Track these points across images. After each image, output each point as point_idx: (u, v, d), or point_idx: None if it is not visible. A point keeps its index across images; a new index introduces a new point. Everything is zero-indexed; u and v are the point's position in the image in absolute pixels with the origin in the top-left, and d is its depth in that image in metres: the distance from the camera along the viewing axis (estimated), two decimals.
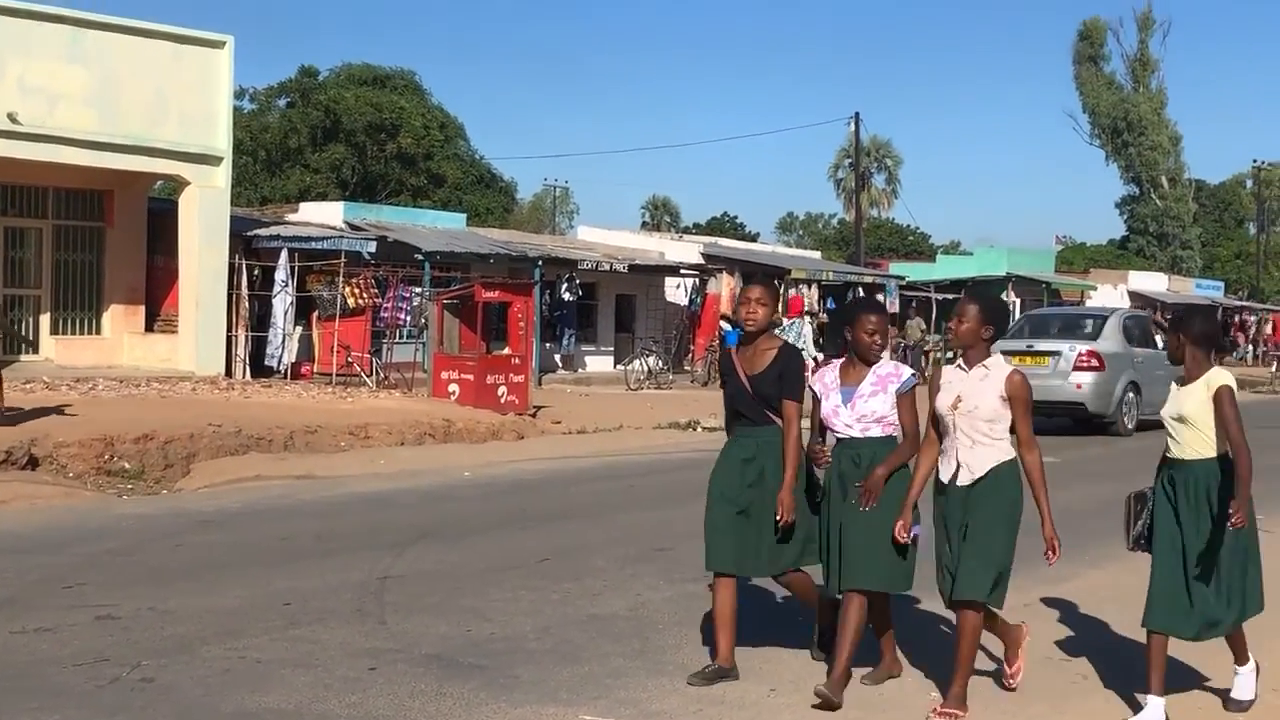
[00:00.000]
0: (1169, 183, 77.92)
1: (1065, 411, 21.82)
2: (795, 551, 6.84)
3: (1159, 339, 23.48)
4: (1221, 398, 6.21)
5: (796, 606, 7.68)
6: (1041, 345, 22.30)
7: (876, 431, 6.58)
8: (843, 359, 6.75)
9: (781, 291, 35.49)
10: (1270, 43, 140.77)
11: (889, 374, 6.63)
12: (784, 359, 6.76)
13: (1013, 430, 6.36)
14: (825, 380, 6.74)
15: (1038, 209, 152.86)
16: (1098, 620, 8.37)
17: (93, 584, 8.86)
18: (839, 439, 6.66)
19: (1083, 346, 21.83)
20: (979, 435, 6.32)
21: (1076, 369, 21.64)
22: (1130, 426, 22.05)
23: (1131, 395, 22.15)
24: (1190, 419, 6.28)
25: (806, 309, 36.08)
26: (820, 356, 32.70)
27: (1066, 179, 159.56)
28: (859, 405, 6.58)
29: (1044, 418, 21.19)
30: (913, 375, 6.67)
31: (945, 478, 6.42)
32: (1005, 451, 6.35)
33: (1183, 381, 6.43)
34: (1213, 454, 6.26)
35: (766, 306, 6.80)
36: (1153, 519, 6.48)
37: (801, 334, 24.22)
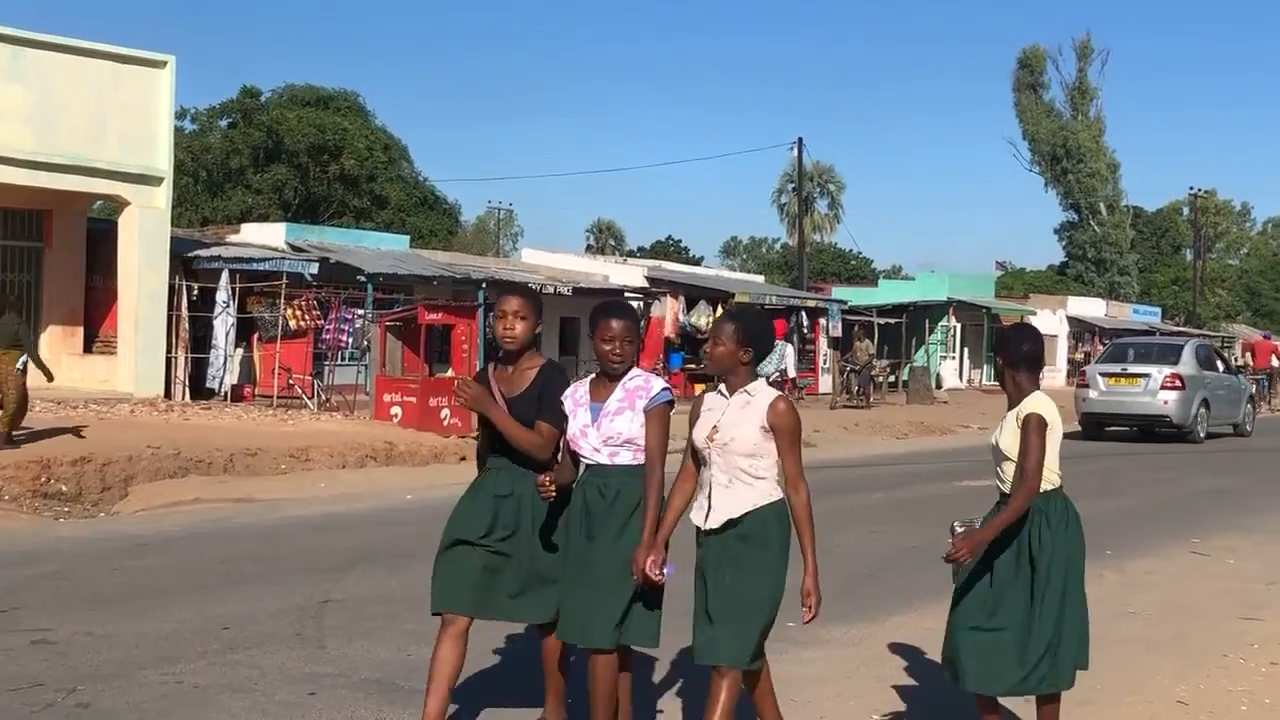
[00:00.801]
0: (1107, 209, 78.84)
1: (1154, 423, 26.61)
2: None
3: (1219, 364, 28.42)
4: (1028, 425, 5.66)
5: None
6: (1134, 369, 26.80)
7: (627, 457, 5.70)
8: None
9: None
10: (1206, 72, 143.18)
11: (638, 388, 5.78)
12: (545, 377, 5.93)
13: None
14: (575, 396, 5.87)
15: (979, 235, 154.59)
16: None
17: (28, 608, 8.75)
18: (586, 465, 5.78)
19: (1167, 369, 26.24)
20: (737, 472, 5.49)
21: (1163, 388, 26.14)
22: (1203, 435, 26.61)
23: (1204, 410, 26.67)
24: (1007, 452, 5.77)
25: (789, 331, 36.21)
26: (796, 379, 32.91)
27: (1007, 205, 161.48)
28: (604, 425, 5.71)
29: (1126, 428, 27.72)
30: (665, 389, 5.83)
31: (698, 520, 5.61)
32: (768, 492, 5.50)
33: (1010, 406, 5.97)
34: (1051, 487, 5.76)
35: (527, 321, 5.90)
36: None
37: (784, 355, 24.51)
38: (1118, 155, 79.99)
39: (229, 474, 16.94)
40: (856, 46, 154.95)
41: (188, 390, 24.76)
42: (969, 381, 48.67)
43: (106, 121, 22.52)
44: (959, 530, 5.80)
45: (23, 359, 16.85)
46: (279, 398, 24.73)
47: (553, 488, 5.63)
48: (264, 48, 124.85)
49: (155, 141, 23.32)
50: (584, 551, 5.65)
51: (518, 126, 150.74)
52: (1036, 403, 5.74)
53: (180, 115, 51.78)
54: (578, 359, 35.43)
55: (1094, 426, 27.69)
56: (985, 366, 50.59)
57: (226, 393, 25.08)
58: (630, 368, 5.88)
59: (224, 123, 58.57)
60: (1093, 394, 27.40)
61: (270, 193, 54.42)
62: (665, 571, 5.62)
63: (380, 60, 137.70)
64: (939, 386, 43.40)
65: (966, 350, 49.48)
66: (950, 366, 48.04)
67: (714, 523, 5.50)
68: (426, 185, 64.62)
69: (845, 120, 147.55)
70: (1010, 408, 5.89)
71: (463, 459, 20.23)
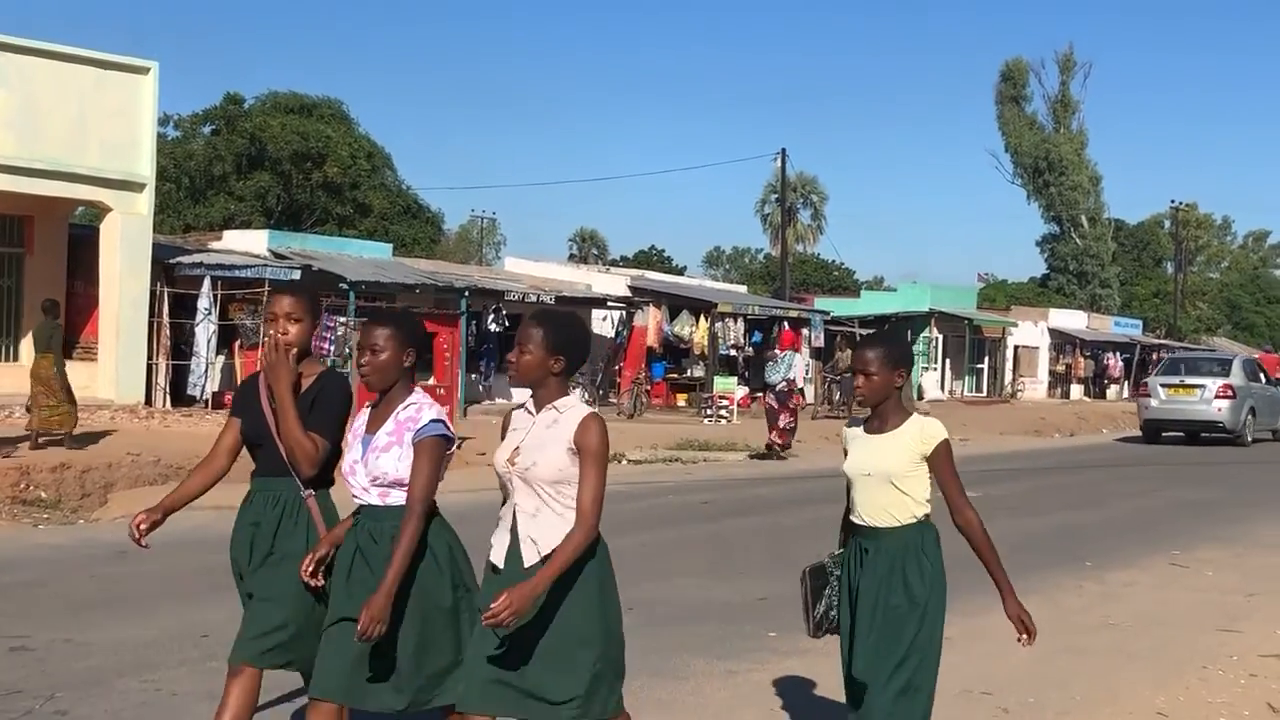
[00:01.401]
0: (1089, 222, 79.11)
1: (1208, 428, 30.26)
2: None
3: (1262, 377, 32.02)
4: (945, 452, 5.11)
5: None
6: (1190, 380, 30.25)
7: (401, 498, 4.88)
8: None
9: (710, 323, 35.68)
10: (1188, 86, 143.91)
11: (409, 419, 4.95)
12: (322, 385, 5.20)
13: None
14: (356, 423, 5.09)
15: (961, 246, 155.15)
16: (1016, 653, 8.43)
17: (6, 615, 8.71)
18: (359, 504, 5.03)
19: (1220, 380, 29.80)
20: (546, 499, 4.69)
21: (1218, 397, 29.65)
22: (1250, 439, 30.21)
23: (1250, 416, 30.33)
24: (897, 477, 5.07)
25: (795, 343, 36.28)
26: (804, 389, 32.93)
27: (989, 217, 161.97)
28: (370, 463, 4.92)
29: (1181, 433, 30.89)
30: (437, 420, 4.97)
31: (498, 558, 4.79)
32: None
33: (870, 426, 5.23)
34: (913, 519, 5.11)
35: (302, 323, 5.13)
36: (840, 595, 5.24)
37: (792, 365, 24.92)
38: (1100, 168, 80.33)
39: None
40: (840, 58, 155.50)
41: (169, 397, 24.67)
42: (950, 392, 48.78)
43: (89, 127, 22.45)
44: (834, 573, 5.27)
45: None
46: None
47: (316, 574, 4.97)
48: (248, 55, 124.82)
49: (138, 147, 23.26)
50: (349, 601, 4.83)
51: (501, 135, 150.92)
52: (937, 425, 5.18)
53: (163, 121, 51.65)
54: None
55: (1154, 432, 31.37)
56: (966, 377, 50.73)
57: (208, 400, 25.00)
58: (389, 382, 5.01)
59: (207, 129, 58.43)
60: (1154, 402, 30.87)
61: (253, 200, 54.30)
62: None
63: (364, 68, 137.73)
64: (920, 397, 43.49)
65: (948, 361, 49.59)
66: (932, 378, 48.14)
67: (530, 558, 4.66)
68: (410, 193, 64.53)
69: (829, 132, 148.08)
70: (874, 426, 5.19)
71: None
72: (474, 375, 31.71)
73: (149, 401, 23.39)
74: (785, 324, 37.76)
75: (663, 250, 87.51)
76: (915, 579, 5.05)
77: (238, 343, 26.30)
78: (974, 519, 5.13)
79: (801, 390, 31.31)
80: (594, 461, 4.65)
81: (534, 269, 38.98)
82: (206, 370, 25.06)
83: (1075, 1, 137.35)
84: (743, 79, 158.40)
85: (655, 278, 44.74)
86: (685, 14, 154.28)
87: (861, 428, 5.25)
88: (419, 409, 4.99)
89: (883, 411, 5.17)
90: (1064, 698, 7.36)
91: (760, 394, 30.16)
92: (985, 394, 50.91)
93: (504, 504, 4.87)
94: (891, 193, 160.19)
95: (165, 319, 24.66)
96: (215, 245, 29.53)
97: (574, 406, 4.79)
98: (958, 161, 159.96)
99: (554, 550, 4.58)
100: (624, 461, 21.99)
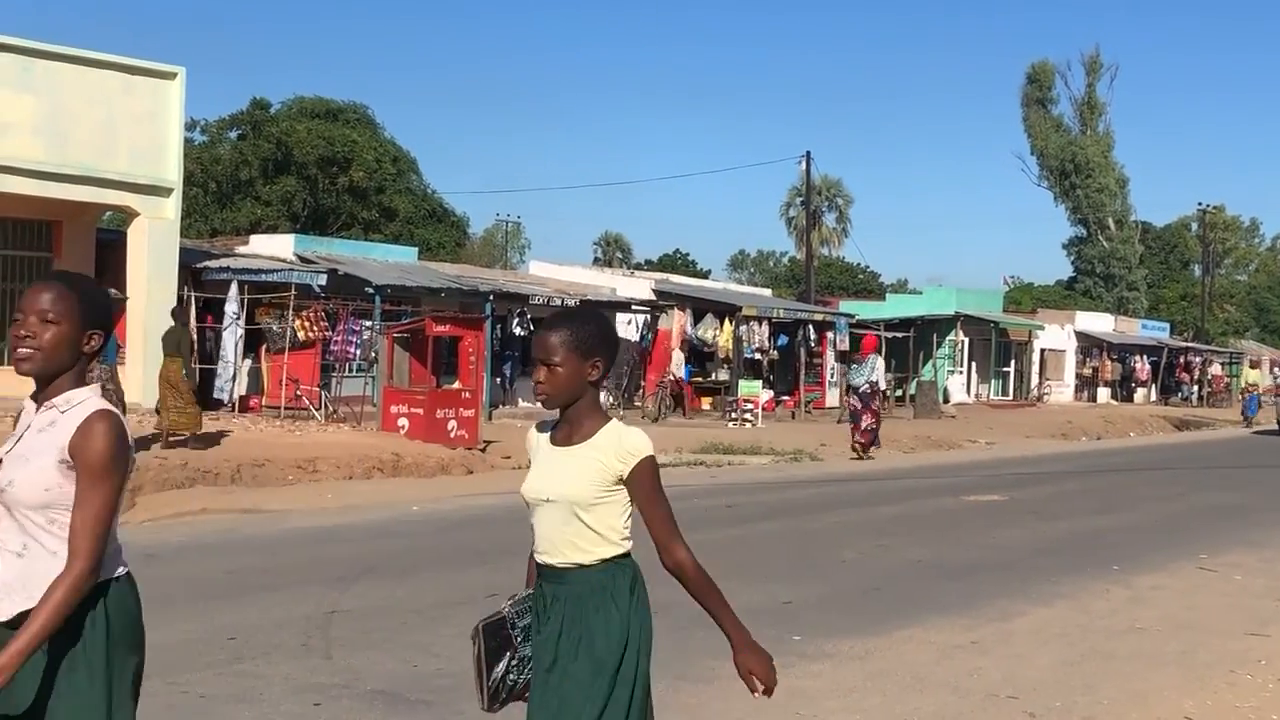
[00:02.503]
0: (1116, 224, 78.83)
1: None
2: None
3: None
4: (649, 474, 3.91)
5: None
6: None
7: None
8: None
9: (735, 326, 35.64)
10: (1216, 88, 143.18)
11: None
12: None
13: None
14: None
15: (987, 249, 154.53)
16: (1044, 657, 8.40)
17: None
18: None
19: None
20: (36, 532, 3.51)
21: None
22: None
23: None
24: (580, 503, 3.91)
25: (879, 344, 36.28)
26: (886, 391, 33.00)
27: (1015, 220, 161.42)
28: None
29: None
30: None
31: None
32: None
33: (557, 435, 4.04)
34: (604, 558, 3.95)
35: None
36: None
37: (875, 368, 25.36)
38: (1126, 170, 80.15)
39: (236, 485, 16.96)
40: (865, 61, 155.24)
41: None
42: (976, 396, 48.62)
43: (116, 132, 22.58)
44: (518, 626, 4.11)
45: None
46: (286, 409, 24.75)
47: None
48: (274, 60, 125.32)
49: (165, 153, 23.38)
50: None
51: (526, 140, 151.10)
52: (638, 436, 3.95)
53: (190, 127, 51.82)
54: None
55: None
56: (993, 381, 50.54)
57: (234, 404, 25.10)
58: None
59: (233, 134, 58.68)
60: None
61: (279, 204, 54.51)
62: None
63: (389, 72, 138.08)
64: (946, 401, 43.37)
65: (974, 365, 49.44)
66: (958, 381, 48.00)
67: (3, 614, 3.50)
68: (435, 197, 64.67)
69: (854, 134, 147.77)
70: (560, 437, 4.02)
71: (470, 471, 20.25)
72: (498, 379, 31.76)
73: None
74: (865, 329, 37.72)
75: (687, 254, 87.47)
76: (601, 637, 3.88)
77: (264, 347, 26.40)
78: (687, 560, 3.92)
79: (885, 392, 31.46)
80: (90, 477, 3.48)
81: (558, 273, 39.03)
82: (233, 374, 25.16)
83: (1101, 3, 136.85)
84: (767, 82, 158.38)
85: (679, 281, 44.74)
86: (709, 17, 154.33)
87: (550, 435, 4.09)
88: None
89: (573, 416, 3.98)
90: (1091, 702, 7.33)
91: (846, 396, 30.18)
92: (1012, 397, 50.74)
93: None
94: (917, 195, 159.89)
95: (192, 323, 24.77)
96: (242, 250, 29.66)
97: (85, 402, 3.56)
98: (983, 164, 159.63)
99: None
100: None
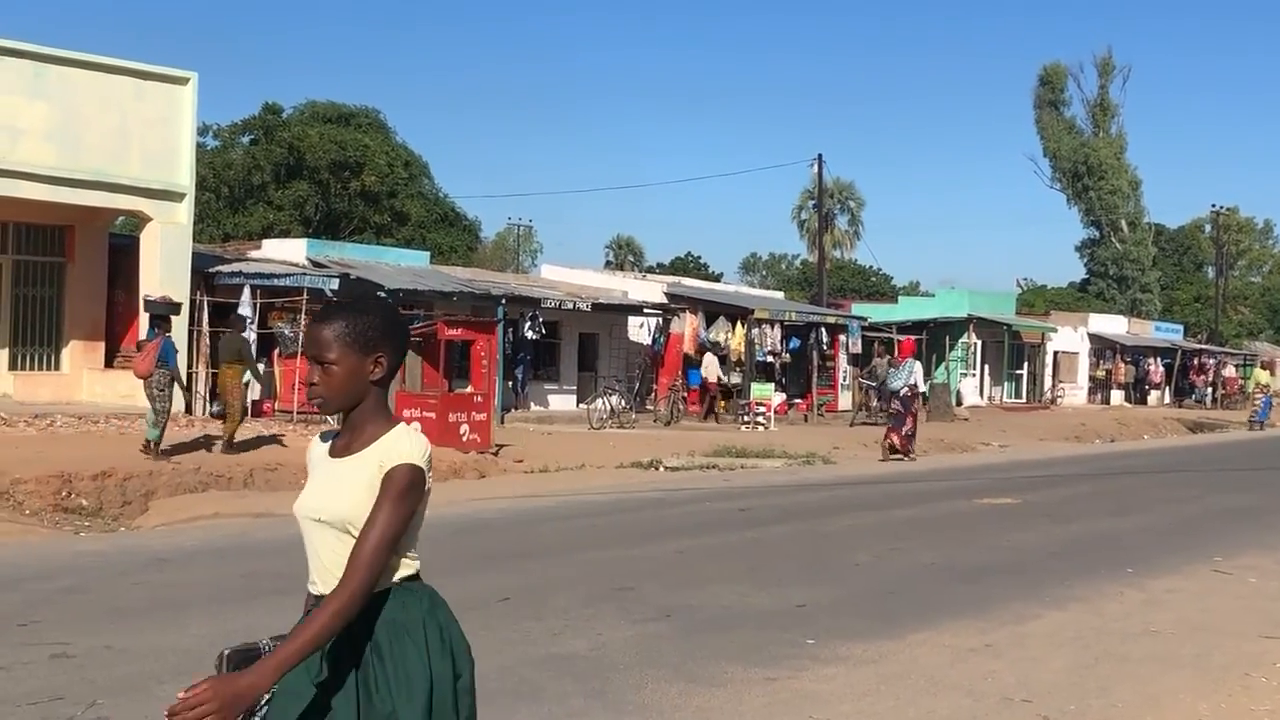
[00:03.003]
0: (1129, 226, 78.68)
1: None
2: None
3: None
4: (395, 482, 3.42)
5: None
6: None
7: None
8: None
9: (746, 329, 35.61)
10: (1228, 89, 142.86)
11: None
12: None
13: None
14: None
15: (999, 251, 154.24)
16: (1058, 660, 8.38)
17: (48, 622, 8.77)
18: None
19: None
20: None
21: None
22: None
23: None
24: (343, 520, 3.40)
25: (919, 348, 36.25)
26: (925, 392, 33.06)
27: (1028, 222, 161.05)
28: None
29: None
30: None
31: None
32: None
33: (336, 445, 3.55)
34: (394, 579, 3.49)
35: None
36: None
37: (913, 371, 25.62)
38: (1139, 172, 80.00)
39: (249, 489, 16.98)
40: (876, 63, 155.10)
41: (208, 405, 24.82)
42: (989, 399, 48.54)
43: (129, 137, 22.65)
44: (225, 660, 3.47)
45: (246, 374, 19.57)
46: (299, 413, 24.78)
47: None
48: (286, 65, 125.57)
49: (177, 157, 23.44)
50: None
51: (538, 143, 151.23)
52: (413, 441, 3.51)
53: (202, 131, 52.02)
54: (596, 375, 35.47)
55: None
56: (1006, 383, 50.44)
57: (247, 408, 25.11)
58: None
59: (246, 139, 58.84)
60: None
61: (291, 209, 54.64)
62: None
63: (401, 77, 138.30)
64: (959, 404, 43.29)
65: (987, 367, 49.36)
66: (970, 384, 47.92)
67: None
68: (447, 201, 64.80)
69: (866, 137, 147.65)
70: (339, 448, 3.52)
71: (482, 475, 20.26)
72: (510, 382, 31.78)
73: (189, 410, 23.53)
74: (903, 335, 37.58)
75: (699, 257, 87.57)
76: (383, 681, 3.35)
77: (276, 351, 26.44)
78: (356, 598, 3.26)
79: (924, 395, 31.51)
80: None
81: (570, 276, 39.04)
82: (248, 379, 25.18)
83: (1114, 5, 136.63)
84: (779, 84, 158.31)
85: (691, 284, 44.72)
86: (722, 20, 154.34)
87: (330, 444, 3.58)
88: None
89: (355, 421, 3.49)
90: (1105, 705, 7.30)
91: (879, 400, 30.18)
92: (1025, 400, 50.63)
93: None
94: (929, 198, 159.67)
95: (205, 328, 24.82)
96: (254, 254, 29.72)
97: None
98: (996, 166, 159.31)
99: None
100: (661, 468, 21.97)
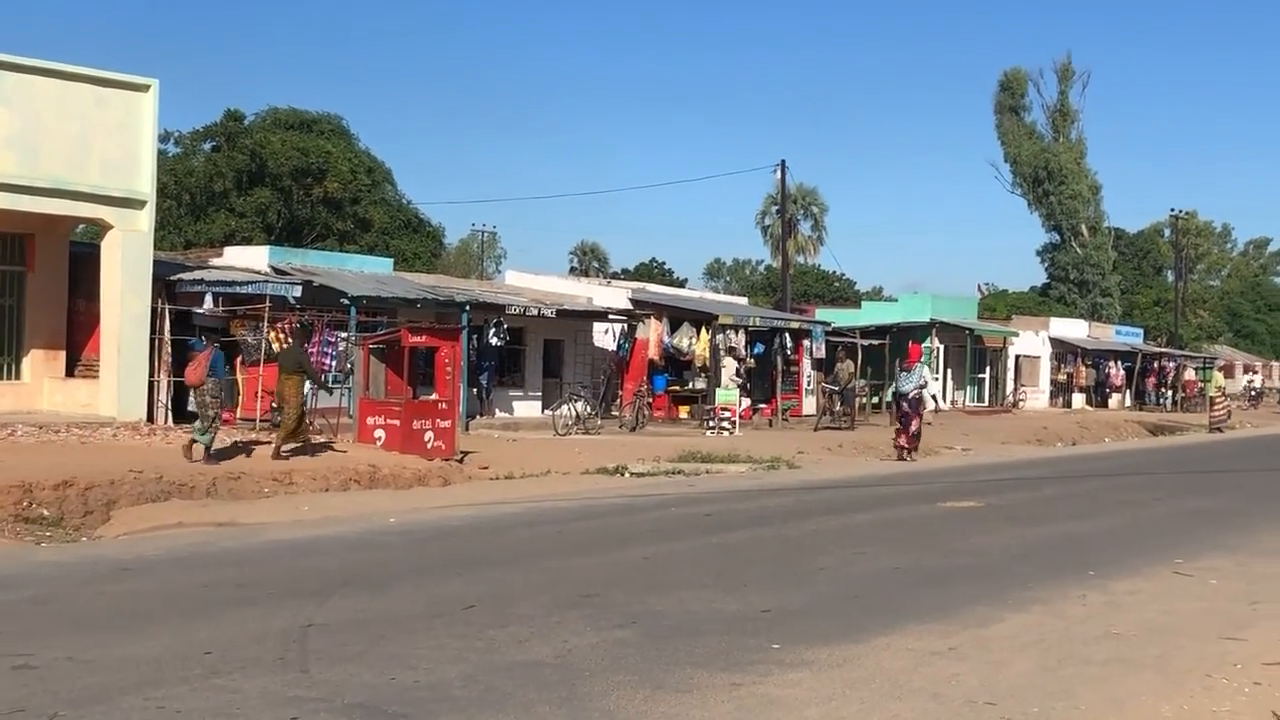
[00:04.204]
0: (1089, 231, 79.23)
1: None
2: None
3: None
4: None
5: None
6: None
7: None
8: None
9: (711, 335, 35.67)
10: (1187, 95, 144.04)
11: None
12: None
13: None
14: None
15: (961, 256, 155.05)
16: (1022, 663, 8.42)
17: (9, 633, 8.70)
18: None
19: None
20: None
21: None
22: None
23: None
24: None
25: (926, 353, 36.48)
26: (937, 397, 33.19)
27: (989, 227, 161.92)
28: None
29: None
30: None
31: None
32: None
33: None
34: None
35: None
36: None
37: (922, 375, 26.33)
38: (1099, 177, 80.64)
39: (212, 498, 16.89)
40: (839, 70, 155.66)
41: (170, 414, 24.68)
42: (952, 403, 48.74)
43: (90, 145, 22.48)
44: None
45: (308, 385, 20.70)
46: (261, 421, 24.66)
47: None
48: (247, 71, 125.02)
49: (138, 165, 23.27)
50: None
51: (501, 150, 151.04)
52: None
53: (163, 139, 51.76)
54: (561, 381, 35.44)
55: None
56: (968, 387, 50.69)
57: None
58: None
59: (207, 146, 58.57)
60: None
61: (253, 216, 54.39)
62: None
63: (364, 83, 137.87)
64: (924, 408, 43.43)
65: (950, 372, 49.59)
66: (933, 388, 48.12)
67: None
68: (410, 208, 64.67)
69: (829, 143, 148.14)
70: None
71: (447, 483, 20.22)
72: (475, 389, 31.72)
73: (151, 418, 23.39)
74: (911, 338, 37.89)
75: (664, 262, 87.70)
76: None
77: (239, 359, 26.31)
78: None
79: (935, 396, 31.81)
80: None
81: (535, 282, 39.01)
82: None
83: (1073, 11, 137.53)
84: (742, 91, 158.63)
85: (656, 290, 44.76)
86: (683, 25, 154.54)
87: None
88: None
89: None
90: (1069, 707, 7.35)
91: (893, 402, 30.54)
92: (987, 404, 50.90)
93: None
94: (892, 203, 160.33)
95: (167, 336, 24.68)
96: (216, 262, 29.56)
97: None
98: (958, 172, 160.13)
99: None
100: (627, 474, 21.97)
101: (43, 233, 24.03)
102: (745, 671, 7.92)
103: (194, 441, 18.85)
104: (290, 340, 20.73)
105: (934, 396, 30.37)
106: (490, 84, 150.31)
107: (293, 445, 20.43)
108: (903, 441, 26.77)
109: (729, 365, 35.64)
